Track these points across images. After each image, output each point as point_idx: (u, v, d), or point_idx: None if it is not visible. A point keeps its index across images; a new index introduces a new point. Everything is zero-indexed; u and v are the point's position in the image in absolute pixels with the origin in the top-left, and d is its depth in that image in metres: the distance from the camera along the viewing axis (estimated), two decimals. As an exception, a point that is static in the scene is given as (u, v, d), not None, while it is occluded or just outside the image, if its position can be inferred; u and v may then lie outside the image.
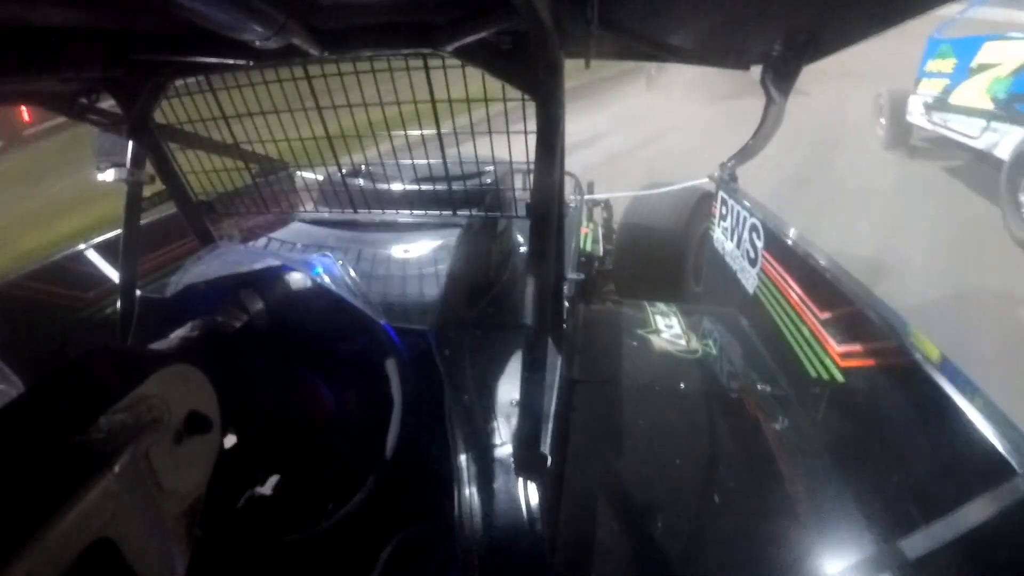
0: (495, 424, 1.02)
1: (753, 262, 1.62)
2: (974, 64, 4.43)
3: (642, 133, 7.05)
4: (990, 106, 4.07)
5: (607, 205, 3.09)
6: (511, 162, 1.21)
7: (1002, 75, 4.00)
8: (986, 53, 4.34)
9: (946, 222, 4.00)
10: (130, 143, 1.17)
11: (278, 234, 1.43)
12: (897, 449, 0.94)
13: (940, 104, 4.75)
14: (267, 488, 1.07)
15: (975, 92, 4.27)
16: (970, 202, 4.31)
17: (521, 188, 1.82)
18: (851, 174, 5.07)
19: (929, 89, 4.97)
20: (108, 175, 1.20)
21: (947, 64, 4.79)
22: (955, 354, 0.84)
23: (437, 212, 1.35)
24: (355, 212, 1.39)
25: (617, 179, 3.48)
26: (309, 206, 1.62)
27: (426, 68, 0.98)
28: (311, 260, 1.07)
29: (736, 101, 5.73)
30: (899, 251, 3.62)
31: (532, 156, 0.89)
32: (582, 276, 2.41)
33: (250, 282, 1.08)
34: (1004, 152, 3.81)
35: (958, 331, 2.62)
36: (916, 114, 5.14)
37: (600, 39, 0.99)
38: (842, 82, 7.13)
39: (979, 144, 4.21)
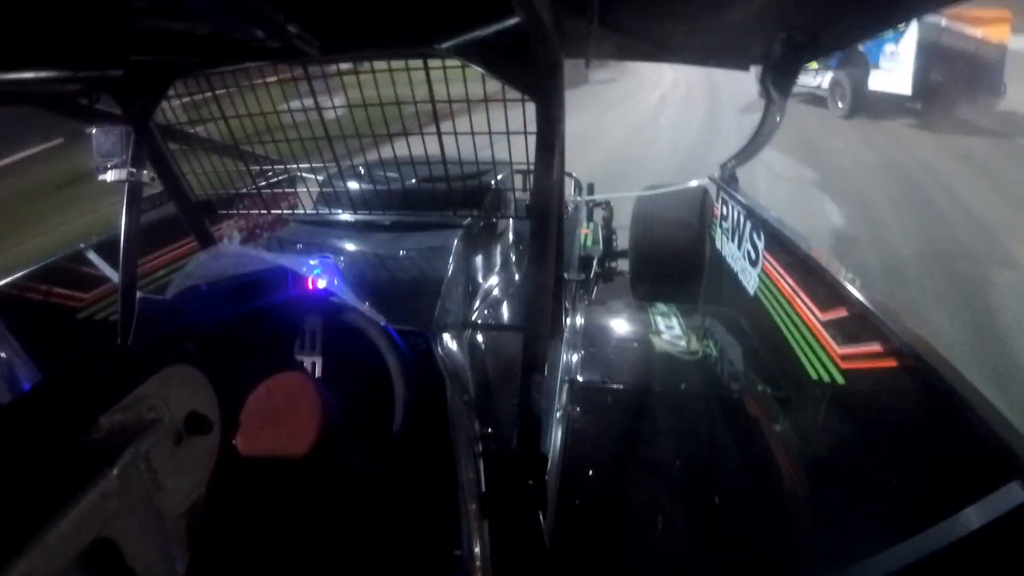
0: (495, 425, 1.02)
1: (754, 263, 1.62)
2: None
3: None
4: (814, 64, 8.10)
5: (607, 206, 3.09)
6: (511, 162, 1.21)
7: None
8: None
9: (794, 116, 8.17)
10: (130, 143, 1.18)
11: (278, 235, 1.43)
12: (897, 452, 0.94)
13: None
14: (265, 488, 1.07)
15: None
16: (809, 109, 8.97)
17: (521, 188, 1.82)
18: (740, 103, 9.32)
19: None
20: (108, 175, 1.20)
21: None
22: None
23: (437, 213, 1.35)
24: (355, 213, 1.39)
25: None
26: (309, 206, 1.62)
27: (426, 68, 0.98)
28: (311, 261, 1.07)
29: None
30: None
31: (532, 156, 0.89)
32: (583, 276, 2.40)
33: (250, 283, 1.08)
34: (825, 85, 8.75)
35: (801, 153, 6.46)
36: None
37: (600, 39, 0.99)
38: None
39: (811, 85, 8.88)
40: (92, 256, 1.62)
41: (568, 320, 1.37)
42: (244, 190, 1.44)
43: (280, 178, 1.90)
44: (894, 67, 7.53)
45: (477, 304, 1.40)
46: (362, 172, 1.60)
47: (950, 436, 0.79)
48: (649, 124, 9.20)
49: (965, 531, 0.68)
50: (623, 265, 2.82)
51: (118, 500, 0.47)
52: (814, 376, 1.22)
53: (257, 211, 1.40)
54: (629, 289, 2.67)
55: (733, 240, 1.81)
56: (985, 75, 7.32)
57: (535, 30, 0.78)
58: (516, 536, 0.83)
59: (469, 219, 1.41)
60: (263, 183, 1.64)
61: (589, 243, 2.67)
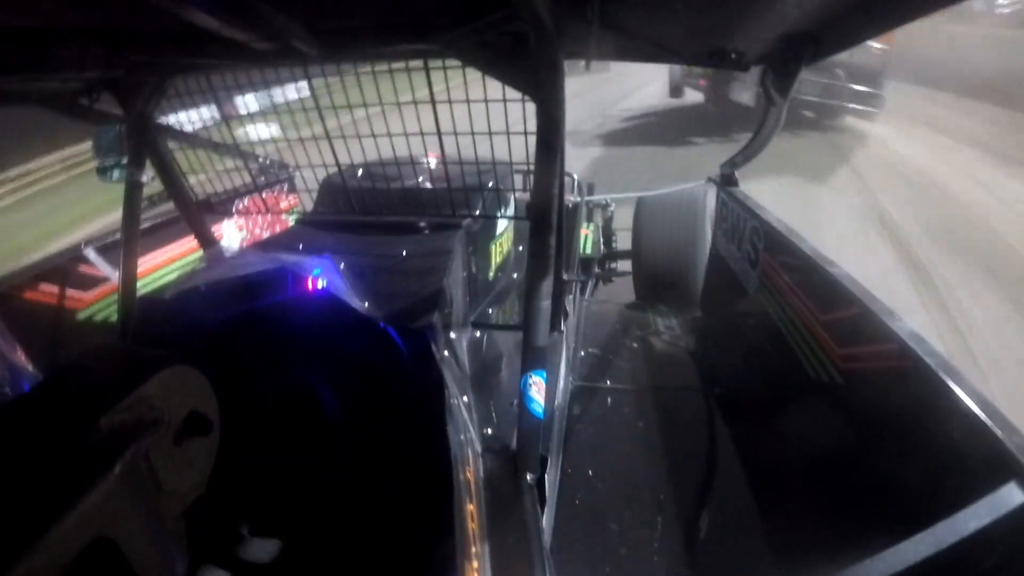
0: (495, 425, 1.02)
1: (754, 264, 1.62)
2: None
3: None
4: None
5: (607, 207, 3.09)
6: (511, 163, 1.20)
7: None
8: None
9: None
10: (130, 143, 1.17)
11: (278, 236, 1.43)
12: (896, 452, 0.94)
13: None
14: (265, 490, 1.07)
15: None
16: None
17: (521, 188, 1.82)
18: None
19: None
20: (108, 175, 1.20)
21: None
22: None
23: (437, 213, 1.35)
24: (355, 213, 1.38)
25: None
26: (309, 207, 1.62)
27: (426, 69, 0.98)
28: (311, 262, 1.07)
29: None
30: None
31: (532, 157, 0.89)
32: (583, 277, 2.40)
33: (250, 284, 1.08)
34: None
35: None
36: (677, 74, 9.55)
37: (600, 40, 0.99)
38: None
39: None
40: (92, 256, 1.62)
41: (568, 320, 1.37)
42: (244, 190, 1.44)
43: (280, 178, 1.90)
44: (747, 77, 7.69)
45: (477, 304, 1.40)
46: (362, 172, 1.60)
47: (949, 436, 0.80)
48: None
49: (964, 531, 0.68)
50: (623, 266, 2.82)
51: (118, 500, 0.47)
52: (814, 376, 1.22)
53: (257, 212, 1.40)
54: (629, 290, 2.68)
55: (733, 241, 1.81)
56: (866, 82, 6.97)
57: (535, 30, 0.78)
58: (516, 536, 0.83)
59: (469, 219, 1.41)
60: (263, 183, 1.64)
61: (589, 244, 2.67)
